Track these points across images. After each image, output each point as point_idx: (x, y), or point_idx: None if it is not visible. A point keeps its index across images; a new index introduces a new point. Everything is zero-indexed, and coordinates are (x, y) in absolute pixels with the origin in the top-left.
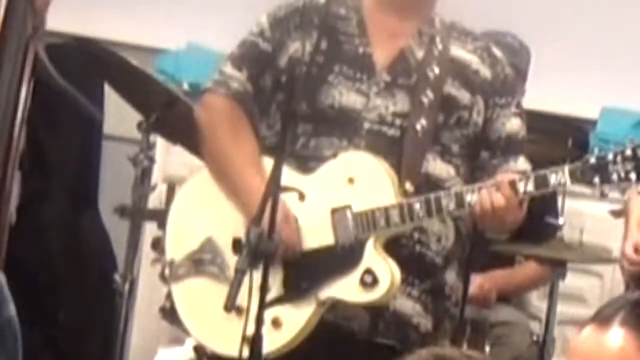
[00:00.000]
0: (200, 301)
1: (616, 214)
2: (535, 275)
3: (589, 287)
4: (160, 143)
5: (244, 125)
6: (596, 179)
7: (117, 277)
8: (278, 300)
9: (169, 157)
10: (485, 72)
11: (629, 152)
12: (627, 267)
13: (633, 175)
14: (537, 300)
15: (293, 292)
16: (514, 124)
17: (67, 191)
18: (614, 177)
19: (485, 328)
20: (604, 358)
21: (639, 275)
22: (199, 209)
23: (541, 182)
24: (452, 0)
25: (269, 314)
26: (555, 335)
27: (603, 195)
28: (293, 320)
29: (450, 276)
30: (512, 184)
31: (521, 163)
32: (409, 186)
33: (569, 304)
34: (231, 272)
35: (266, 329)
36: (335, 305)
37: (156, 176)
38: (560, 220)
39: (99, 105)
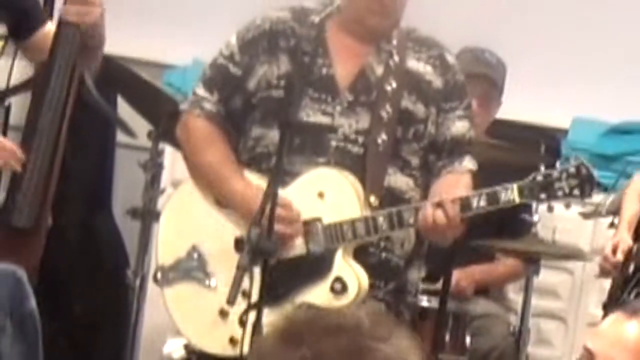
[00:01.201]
0: (189, 304)
1: (586, 215)
2: (512, 270)
3: (561, 282)
4: (168, 150)
5: (219, 140)
6: (543, 195)
7: (129, 273)
8: (256, 305)
9: (177, 163)
10: (437, 81)
11: (572, 169)
12: (601, 265)
13: (577, 191)
14: (513, 294)
15: (271, 297)
16: (459, 127)
17: (84, 194)
18: (559, 193)
19: (465, 320)
20: (624, 344)
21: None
22: (184, 218)
23: (492, 199)
24: (433, 18)
25: (249, 317)
26: (530, 327)
27: (550, 210)
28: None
29: (412, 274)
30: (465, 200)
31: (466, 162)
32: (373, 200)
33: (543, 297)
34: (214, 278)
35: (247, 331)
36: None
37: (165, 180)
38: (535, 217)
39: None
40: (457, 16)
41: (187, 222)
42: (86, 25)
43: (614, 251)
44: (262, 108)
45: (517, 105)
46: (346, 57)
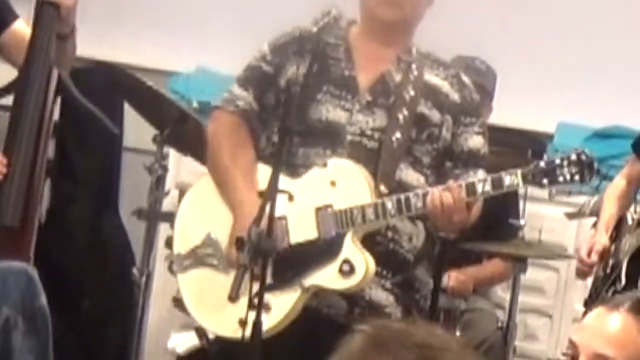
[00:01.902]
0: (202, 289)
1: (570, 216)
2: (501, 271)
3: (547, 280)
4: (172, 154)
5: (244, 140)
6: (545, 181)
7: (135, 271)
8: (267, 288)
9: (180, 166)
10: (454, 95)
11: (574, 157)
12: (577, 266)
13: (577, 177)
14: (501, 291)
15: (280, 280)
16: (475, 141)
17: (92, 195)
18: (561, 179)
19: (456, 315)
20: (606, 335)
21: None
22: (201, 209)
23: (497, 183)
24: (428, 29)
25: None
26: (517, 322)
27: (551, 197)
28: (281, 305)
29: (421, 272)
30: (471, 186)
31: (480, 175)
32: (383, 189)
33: (529, 294)
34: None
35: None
36: (317, 293)
37: (169, 183)
38: (522, 222)
39: (119, 121)
40: (450, 27)
41: (203, 212)
42: (66, 8)
43: (589, 254)
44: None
45: (506, 111)
46: (368, 62)
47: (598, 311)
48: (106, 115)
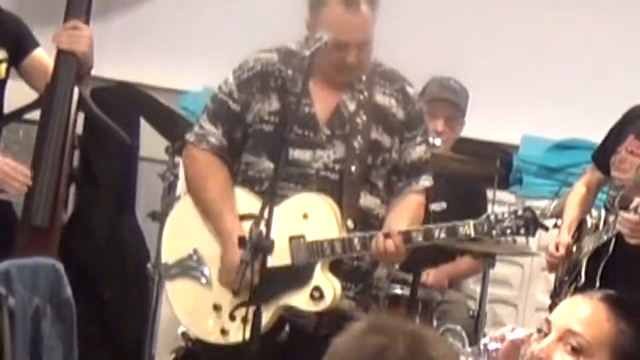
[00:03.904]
0: (187, 297)
1: None
2: (472, 266)
3: (512, 274)
4: (182, 163)
5: (220, 173)
6: (494, 232)
7: (149, 266)
8: (246, 303)
9: None
10: (400, 113)
11: (520, 212)
12: (547, 260)
13: (523, 231)
14: (472, 284)
15: (261, 298)
16: (418, 151)
17: (111, 199)
18: (508, 231)
19: (433, 305)
20: (578, 315)
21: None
22: (188, 225)
23: (451, 232)
24: (405, 51)
25: (240, 313)
26: (487, 311)
27: (498, 243)
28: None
29: (378, 271)
30: (407, 234)
31: (422, 181)
32: (350, 223)
33: (497, 287)
34: (210, 279)
35: (237, 325)
36: (289, 308)
37: (179, 188)
38: None
39: (136, 134)
40: (426, 50)
41: (190, 228)
42: (81, 52)
43: (557, 248)
44: (254, 139)
45: (477, 125)
46: (323, 96)
47: (574, 297)
48: (124, 129)
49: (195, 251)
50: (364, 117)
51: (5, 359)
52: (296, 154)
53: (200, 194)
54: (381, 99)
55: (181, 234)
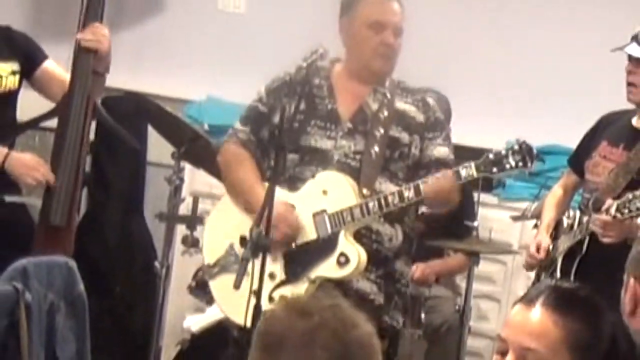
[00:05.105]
0: (229, 290)
1: (515, 218)
2: (461, 263)
3: (496, 271)
4: (187, 167)
5: (249, 161)
6: (495, 169)
7: (157, 264)
8: (282, 283)
9: (194, 177)
10: (420, 117)
11: (516, 147)
12: (527, 260)
13: (520, 164)
14: (459, 280)
15: (291, 276)
16: (440, 151)
17: (121, 201)
18: (507, 166)
19: (421, 300)
20: (527, 329)
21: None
22: (223, 225)
23: (456, 176)
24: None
25: (277, 294)
26: (472, 306)
27: (500, 183)
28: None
29: (400, 265)
30: (456, 173)
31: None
32: (366, 192)
33: (482, 283)
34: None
35: (275, 304)
36: (321, 284)
37: (185, 191)
38: (475, 223)
39: (144, 140)
40: (409, 58)
41: (225, 227)
42: (104, 50)
43: (538, 250)
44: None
45: (461, 131)
46: (348, 97)
47: (518, 308)
48: (133, 136)
49: (231, 246)
50: (385, 114)
51: (22, 350)
52: (318, 143)
53: (232, 176)
54: (402, 105)
55: (217, 235)
